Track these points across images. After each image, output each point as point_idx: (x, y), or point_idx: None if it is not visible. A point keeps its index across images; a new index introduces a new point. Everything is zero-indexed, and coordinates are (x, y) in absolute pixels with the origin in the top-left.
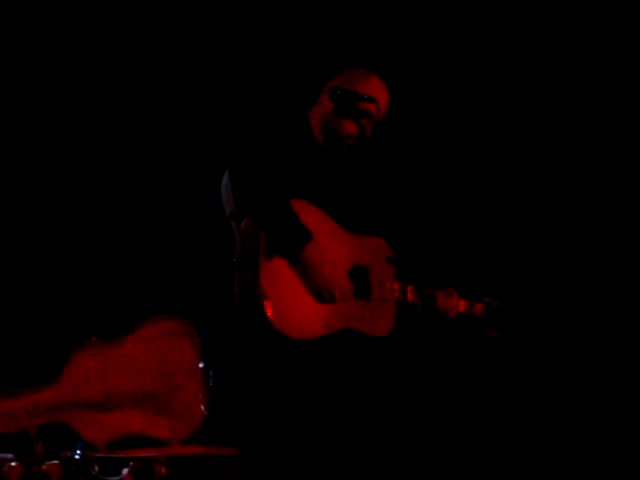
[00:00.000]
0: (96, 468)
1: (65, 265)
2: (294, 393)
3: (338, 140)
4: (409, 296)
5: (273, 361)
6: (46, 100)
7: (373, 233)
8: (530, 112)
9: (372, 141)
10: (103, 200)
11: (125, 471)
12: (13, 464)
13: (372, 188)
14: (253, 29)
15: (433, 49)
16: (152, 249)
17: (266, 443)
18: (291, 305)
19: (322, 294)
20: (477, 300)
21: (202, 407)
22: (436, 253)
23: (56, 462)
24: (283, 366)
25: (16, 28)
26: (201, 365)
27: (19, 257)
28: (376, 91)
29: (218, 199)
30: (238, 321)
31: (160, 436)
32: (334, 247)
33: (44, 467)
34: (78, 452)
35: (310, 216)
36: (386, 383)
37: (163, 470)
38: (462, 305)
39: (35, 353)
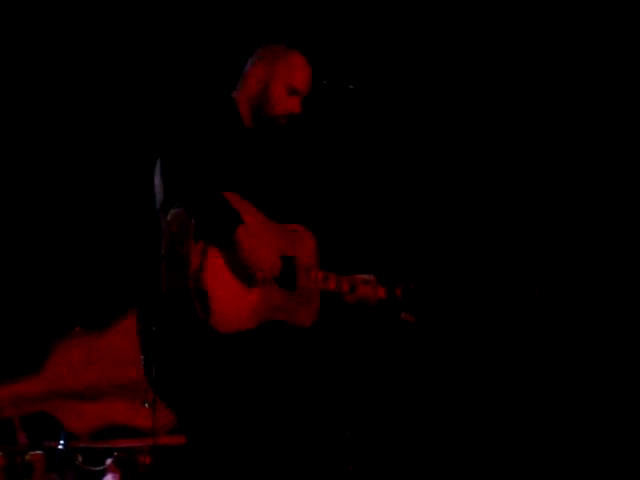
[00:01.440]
0: (80, 458)
1: (48, 257)
2: (226, 384)
3: (270, 120)
4: (332, 285)
5: (204, 352)
6: None
7: (298, 221)
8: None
9: (298, 126)
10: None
11: (109, 461)
12: None
13: (296, 175)
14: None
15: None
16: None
17: (205, 432)
18: (220, 298)
19: (255, 276)
20: (395, 285)
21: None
22: (354, 240)
23: (40, 452)
24: (214, 356)
25: None
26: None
27: (2, 250)
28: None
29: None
30: (168, 313)
31: (143, 426)
32: (262, 237)
33: (27, 457)
34: (62, 442)
35: (238, 207)
36: (311, 372)
37: (147, 460)
38: (381, 291)
39: (19, 343)
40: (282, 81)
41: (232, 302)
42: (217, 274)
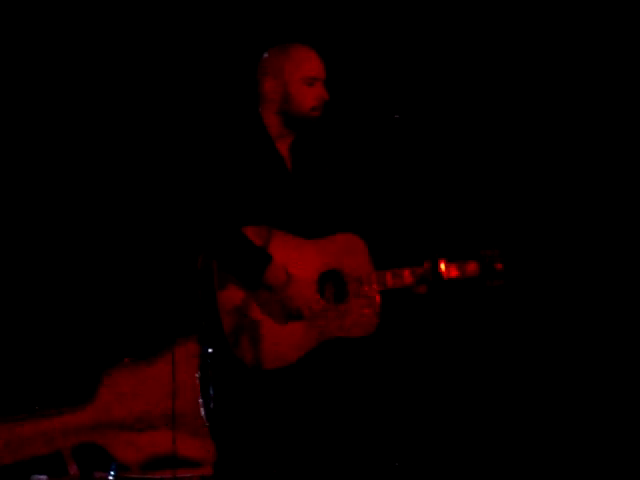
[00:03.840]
0: None
1: (97, 288)
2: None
3: (305, 118)
4: (390, 282)
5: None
6: None
7: (341, 230)
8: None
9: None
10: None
11: None
12: None
13: (329, 183)
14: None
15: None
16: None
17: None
18: (261, 337)
19: (291, 313)
20: (471, 258)
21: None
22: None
23: None
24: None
25: None
26: (197, 375)
27: (50, 279)
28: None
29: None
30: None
31: (193, 457)
32: (298, 261)
33: None
34: (112, 473)
35: (265, 239)
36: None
37: None
38: (453, 270)
39: (69, 374)
40: (297, 77)
41: (272, 338)
42: (251, 314)
